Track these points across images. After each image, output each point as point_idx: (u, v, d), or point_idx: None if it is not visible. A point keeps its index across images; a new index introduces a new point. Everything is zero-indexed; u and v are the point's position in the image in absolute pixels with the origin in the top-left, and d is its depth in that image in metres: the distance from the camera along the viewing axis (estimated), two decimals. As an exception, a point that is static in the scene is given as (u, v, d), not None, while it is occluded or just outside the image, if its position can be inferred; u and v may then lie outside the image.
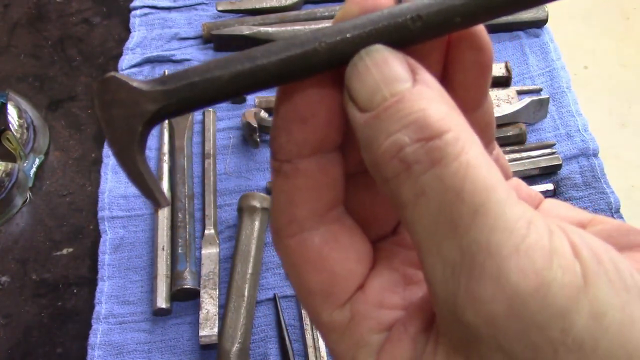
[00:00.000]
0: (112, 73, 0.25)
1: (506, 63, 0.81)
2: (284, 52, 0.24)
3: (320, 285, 0.26)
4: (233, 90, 0.24)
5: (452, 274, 0.21)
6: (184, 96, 0.24)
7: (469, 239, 0.21)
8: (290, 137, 0.25)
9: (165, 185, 0.73)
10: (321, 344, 0.64)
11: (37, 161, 0.78)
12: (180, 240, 0.69)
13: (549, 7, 0.84)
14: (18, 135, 0.76)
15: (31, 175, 0.77)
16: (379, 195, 0.28)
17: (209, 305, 0.66)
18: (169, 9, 0.91)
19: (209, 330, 0.64)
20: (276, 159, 0.26)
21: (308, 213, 0.26)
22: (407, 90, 0.23)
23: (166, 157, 0.76)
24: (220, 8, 0.88)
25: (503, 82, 0.81)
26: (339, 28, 0.24)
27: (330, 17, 0.88)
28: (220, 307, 0.66)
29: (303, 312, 0.66)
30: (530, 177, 0.74)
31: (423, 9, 0.24)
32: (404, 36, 0.24)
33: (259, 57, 0.24)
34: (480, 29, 0.26)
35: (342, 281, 0.26)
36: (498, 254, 0.20)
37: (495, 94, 0.79)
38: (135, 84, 0.25)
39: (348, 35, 0.24)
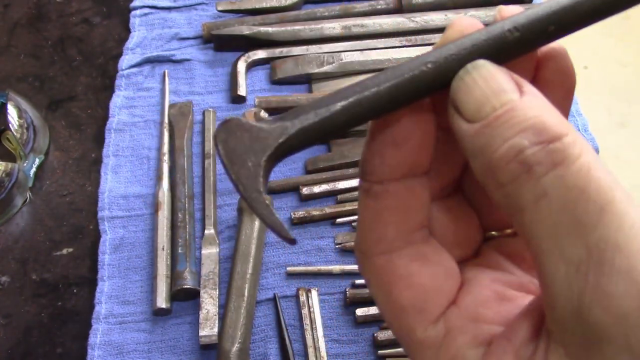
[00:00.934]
0: (232, 116, 0.26)
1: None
2: (394, 78, 0.25)
3: (412, 300, 0.26)
4: (348, 121, 0.25)
5: (577, 273, 0.21)
6: (302, 128, 0.25)
7: (596, 236, 0.21)
8: (383, 160, 0.26)
9: (165, 185, 0.73)
10: (321, 344, 0.64)
11: (37, 161, 0.78)
12: (180, 240, 0.69)
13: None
14: (18, 135, 0.76)
15: (31, 175, 0.77)
16: (460, 220, 0.29)
17: (209, 305, 0.66)
18: (169, 9, 0.91)
19: (209, 330, 0.64)
20: (367, 180, 0.27)
21: (396, 233, 0.27)
22: (517, 100, 0.24)
23: (166, 157, 0.76)
24: (220, 8, 0.88)
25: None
26: (443, 50, 0.25)
27: (331, 17, 0.87)
28: (220, 307, 0.66)
29: (303, 311, 0.66)
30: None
31: (519, 20, 0.25)
32: (503, 49, 0.25)
33: (370, 86, 0.25)
34: (565, 52, 0.27)
35: (434, 296, 0.27)
36: (627, 249, 0.21)
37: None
38: (254, 123, 0.26)
39: (452, 53, 0.25)
